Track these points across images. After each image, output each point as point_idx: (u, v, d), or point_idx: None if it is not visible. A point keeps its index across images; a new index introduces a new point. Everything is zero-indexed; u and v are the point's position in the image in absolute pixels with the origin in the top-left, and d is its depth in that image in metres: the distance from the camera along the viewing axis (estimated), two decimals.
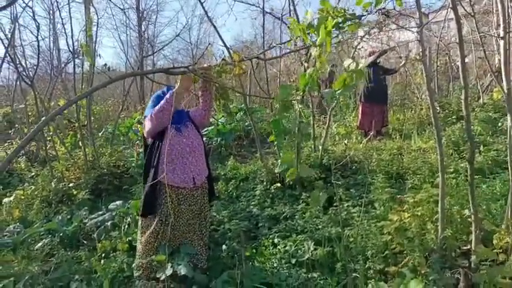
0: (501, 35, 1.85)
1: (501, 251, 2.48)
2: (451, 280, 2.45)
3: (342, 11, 1.75)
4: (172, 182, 2.77)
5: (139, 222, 2.98)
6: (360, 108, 6.87)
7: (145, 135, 2.88)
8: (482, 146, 4.86)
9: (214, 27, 4.83)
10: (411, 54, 12.12)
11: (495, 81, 5.37)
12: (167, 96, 2.63)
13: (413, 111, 7.19)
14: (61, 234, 3.95)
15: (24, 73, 5.61)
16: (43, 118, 5.72)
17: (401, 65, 7.11)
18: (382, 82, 6.76)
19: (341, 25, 1.79)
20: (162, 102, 2.64)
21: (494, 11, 9.81)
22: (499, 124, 5.63)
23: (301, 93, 2.33)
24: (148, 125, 2.76)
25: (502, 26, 1.85)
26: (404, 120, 6.86)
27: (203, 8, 4.55)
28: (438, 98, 7.99)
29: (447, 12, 6.28)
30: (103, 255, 3.46)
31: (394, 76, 12.98)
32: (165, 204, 2.78)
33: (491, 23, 10.03)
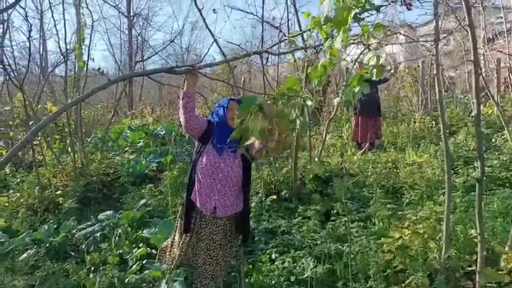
0: None
1: (506, 272, 2.44)
2: None
3: (362, 0, 1.66)
4: (195, 201, 2.65)
5: (176, 229, 2.88)
6: (355, 120, 6.87)
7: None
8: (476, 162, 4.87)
9: (211, 33, 4.75)
10: (399, 66, 12.27)
11: (489, 95, 5.42)
12: (181, 101, 2.58)
13: (406, 124, 7.20)
14: (47, 245, 3.79)
15: (13, 74, 5.43)
16: (32, 122, 5.54)
17: (389, 74, 7.14)
18: (374, 95, 6.77)
19: (359, 16, 1.71)
20: (181, 105, 2.60)
21: (482, 27, 10.04)
22: (492, 140, 5.67)
23: (315, 86, 2.20)
24: (183, 127, 2.70)
25: None
26: (398, 133, 6.87)
27: (201, 15, 4.48)
28: (429, 111, 8.04)
29: (441, 26, 6.34)
30: (92, 268, 3.30)
31: (384, 89, 13.10)
32: (193, 224, 2.68)
33: (479, 38, 10.25)
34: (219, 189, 2.60)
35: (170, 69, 2.15)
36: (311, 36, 2.79)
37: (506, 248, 2.58)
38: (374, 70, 1.61)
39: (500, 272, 2.37)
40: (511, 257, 2.34)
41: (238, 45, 3.65)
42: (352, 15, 1.65)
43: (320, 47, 2.27)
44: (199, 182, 2.61)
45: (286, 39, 2.57)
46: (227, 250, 2.74)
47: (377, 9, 1.80)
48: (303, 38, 3.13)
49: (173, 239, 2.86)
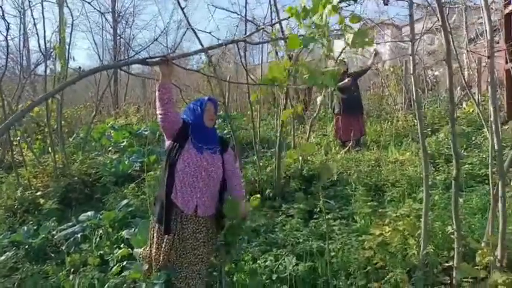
0: (487, 54, 1.86)
1: (482, 267, 2.49)
2: None
3: None
4: (175, 201, 2.60)
5: (152, 232, 2.76)
6: (336, 119, 6.90)
7: (165, 138, 2.72)
8: None
9: (195, 33, 4.72)
10: (385, 65, 12.40)
11: (469, 95, 5.50)
12: (157, 92, 2.52)
13: (389, 123, 7.28)
14: (27, 247, 3.74)
15: None
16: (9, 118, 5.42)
17: (370, 61, 7.10)
18: (355, 93, 6.79)
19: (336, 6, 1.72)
20: (157, 97, 2.53)
21: (464, 27, 10.22)
22: (473, 138, 5.77)
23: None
24: (159, 121, 2.62)
25: (489, 45, 1.86)
26: (381, 131, 6.94)
27: (184, 13, 4.45)
28: (413, 110, 8.15)
29: (424, 26, 6.43)
30: (72, 270, 3.26)
31: (369, 87, 13.20)
32: (174, 224, 2.61)
33: (461, 38, 10.44)
34: (200, 188, 2.60)
35: (143, 61, 2.12)
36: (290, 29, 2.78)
37: (483, 244, 2.63)
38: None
39: (476, 268, 2.41)
40: (486, 252, 2.38)
41: (210, 33, 3.60)
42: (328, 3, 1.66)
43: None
44: (181, 181, 2.58)
45: (262, 29, 2.56)
46: (209, 247, 2.73)
47: (355, 0, 1.82)
48: (283, 33, 3.15)
49: (152, 244, 2.75)
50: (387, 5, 2.02)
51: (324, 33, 1.78)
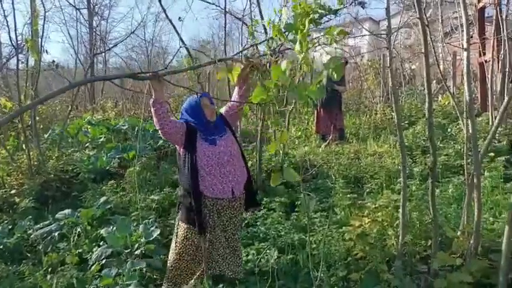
0: (464, 46, 1.90)
1: (458, 255, 2.56)
2: (412, 286, 2.49)
3: (318, 6, 1.70)
4: (211, 194, 2.60)
5: (176, 230, 2.74)
6: (316, 113, 6.95)
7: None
8: None
9: (173, 25, 4.66)
10: (363, 59, 12.56)
11: (445, 87, 5.64)
12: (152, 109, 2.53)
13: (367, 116, 7.38)
14: (1, 247, 3.62)
15: None
16: None
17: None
18: (335, 91, 6.86)
19: (317, 21, 1.74)
20: (153, 113, 2.55)
21: (440, 21, 10.42)
22: (448, 130, 5.91)
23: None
24: (161, 135, 2.69)
25: (465, 38, 1.91)
26: (360, 124, 7.03)
27: (161, 5, 4.37)
28: (390, 103, 8.29)
29: (400, 20, 6.55)
30: (50, 269, 3.18)
31: (348, 82, 13.38)
32: (205, 217, 2.61)
33: (436, 32, 10.65)
34: (229, 171, 2.64)
35: (133, 75, 2.08)
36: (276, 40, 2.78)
37: (459, 233, 2.70)
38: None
39: (452, 256, 2.48)
40: (462, 241, 2.45)
41: (204, 53, 3.60)
42: (309, 20, 1.68)
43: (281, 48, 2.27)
44: (209, 173, 2.60)
45: (251, 46, 2.54)
46: (239, 229, 2.84)
47: (334, 12, 1.83)
48: (265, 29, 3.14)
49: (180, 249, 2.70)
50: (364, 8, 2.04)
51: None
